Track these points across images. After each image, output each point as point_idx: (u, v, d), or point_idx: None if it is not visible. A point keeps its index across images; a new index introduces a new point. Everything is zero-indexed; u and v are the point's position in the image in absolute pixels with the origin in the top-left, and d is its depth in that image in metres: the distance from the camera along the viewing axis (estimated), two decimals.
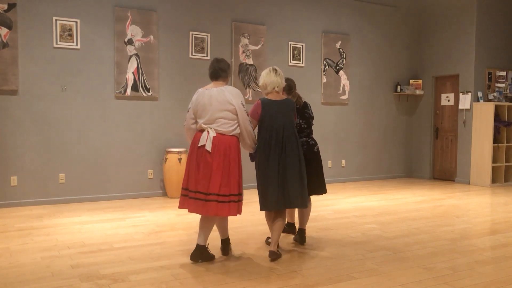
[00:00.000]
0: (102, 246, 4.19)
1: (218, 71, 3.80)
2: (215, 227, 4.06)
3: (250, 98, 7.56)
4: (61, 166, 6.28)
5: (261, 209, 3.89)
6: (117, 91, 6.57)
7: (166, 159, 6.70)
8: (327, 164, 8.41)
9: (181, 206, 3.73)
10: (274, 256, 3.81)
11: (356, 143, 8.81)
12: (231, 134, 3.68)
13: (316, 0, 8.26)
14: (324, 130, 8.33)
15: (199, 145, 3.63)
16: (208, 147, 3.59)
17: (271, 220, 3.93)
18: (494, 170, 8.38)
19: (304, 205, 3.92)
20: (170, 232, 4.75)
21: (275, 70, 4.00)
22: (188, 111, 3.81)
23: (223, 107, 3.65)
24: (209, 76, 3.85)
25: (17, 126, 6.01)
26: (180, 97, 7.05)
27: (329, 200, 6.64)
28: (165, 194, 6.92)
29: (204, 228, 3.76)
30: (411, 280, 3.37)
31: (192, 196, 3.64)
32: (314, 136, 4.47)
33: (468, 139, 8.52)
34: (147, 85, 6.76)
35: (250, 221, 5.29)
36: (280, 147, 3.84)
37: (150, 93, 6.80)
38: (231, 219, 5.41)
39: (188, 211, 3.68)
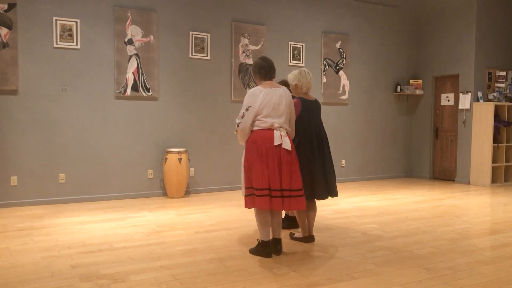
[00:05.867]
0: (102, 246, 4.19)
1: (274, 71, 3.94)
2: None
3: None
4: (61, 166, 6.28)
5: (308, 199, 4.17)
6: (117, 91, 6.57)
7: (166, 159, 6.70)
8: None
9: (264, 206, 3.70)
10: (313, 238, 4.41)
11: (356, 143, 8.81)
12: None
13: (316, 0, 8.26)
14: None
15: (276, 144, 3.71)
16: (287, 146, 3.74)
17: (304, 211, 4.29)
18: (494, 170, 8.38)
19: (337, 193, 4.45)
20: (170, 232, 4.75)
21: (308, 72, 4.35)
22: (247, 110, 3.75)
23: (291, 107, 3.90)
24: (262, 75, 3.88)
25: (17, 126, 6.01)
26: (180, 97, 7.05)
27: (329, 200, 6.62)
28: (165, 194, 6.92)
29: (279, 224, 3.93)
30: (411, 280, 3.37)
31: (277, 194, 3.71)
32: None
33: (468, 139, 8.52)
34: (147, 85, 6.76)
35: (250, 221, 5.29)
36: (319, 144, 4.31)
37: (150, 93, 6.80)
38: (232, 219, 5.42)
39: (274, 209, 3.78)
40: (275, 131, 3.75)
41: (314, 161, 4.24)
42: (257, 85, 3.94)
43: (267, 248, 3.88)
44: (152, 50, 6.78)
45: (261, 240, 3.90)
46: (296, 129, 4.16)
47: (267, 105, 3.75)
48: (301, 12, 8.10)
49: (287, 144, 3.75)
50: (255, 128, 3.78)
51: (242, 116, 3.77)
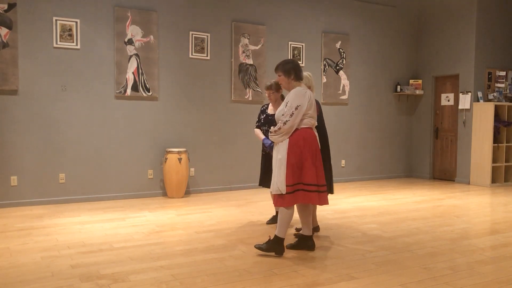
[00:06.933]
0: (102, 246, 4.19)
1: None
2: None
3: (250, 98, 7.56)
4: (61, 166, 6.27)
5: None
6: (117, 91, 6.57)
7: (166, 159, 6.70)
8: None
9: (314, 201, 3.88)
10: (318, 229, 4.78)
11: (356, 143, 8.81)
12: None
13: (316, 0, 8.26)
14: None
15: (317, 141, 3.97)
16: (319, 144, 4.05)
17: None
18: (494, 170, 8.38)
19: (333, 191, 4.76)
20: (170, 232, 4.75)
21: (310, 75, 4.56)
22: (297, 109, 3.82)
23: None
24: (298, 75, 3.98)
25: (17, 126, 6.01)
26: (180, 97, 7.05)
27: (329, 200, 6.61)
28: (165, 194, 6.92)
29: (309, 218, 4.11)
30: (411, 280, 3.37)
31: (323, 190, 3.93)
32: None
33: (468, 139, 8.52)
34: (147, 85, 6.76)
35: (250, 221, 5.29)
36: (323, 144, 4.44)
37: (150, 93, 6.80)
38: (232, 219, 5.42)
39: (321, 205, 3.95)
40: (312, 129, 3.99)
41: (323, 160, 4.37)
42: (284, 84, 4.01)
43: (281, 246, 3.93)
44: (152, 50, 6.78)
45: (278, 237, 3.91)
46: None
47: (311, 105, 3.92)
48: (301, 12, 8.10)
49: (319, 142, 4.07)
50: (303, 126, 3.90)
51: (291, 115, 3.82)
